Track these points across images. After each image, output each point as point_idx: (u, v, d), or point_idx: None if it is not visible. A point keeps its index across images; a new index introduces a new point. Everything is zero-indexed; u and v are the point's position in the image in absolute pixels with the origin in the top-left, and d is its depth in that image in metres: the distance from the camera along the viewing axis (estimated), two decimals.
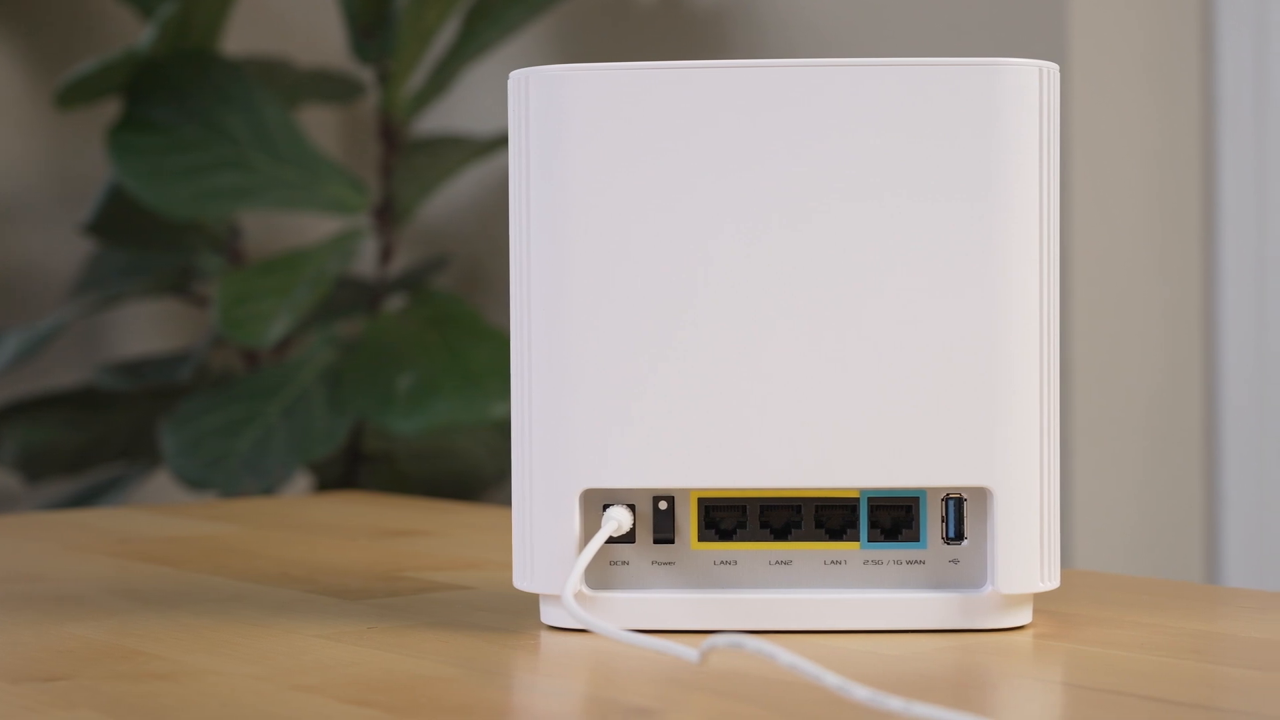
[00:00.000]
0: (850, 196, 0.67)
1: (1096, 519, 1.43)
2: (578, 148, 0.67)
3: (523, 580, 0.69)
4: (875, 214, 0.67)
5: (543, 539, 0.68)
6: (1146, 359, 1.47)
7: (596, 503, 0.69)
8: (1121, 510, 1.46)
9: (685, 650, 0.59)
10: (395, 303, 1.70)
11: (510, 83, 0.69)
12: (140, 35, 1.58)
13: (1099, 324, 1.43)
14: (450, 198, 1.85)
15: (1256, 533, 1.48)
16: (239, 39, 1.73)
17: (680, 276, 0.67)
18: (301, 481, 1.74)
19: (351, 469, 1.62)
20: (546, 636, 0.68)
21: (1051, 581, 0.68)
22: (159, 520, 1.07)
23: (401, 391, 1.46)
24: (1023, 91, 0.67)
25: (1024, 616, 0.68)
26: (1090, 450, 1.43)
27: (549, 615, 0.69)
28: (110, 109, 1.64)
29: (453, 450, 1.64)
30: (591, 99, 0.67)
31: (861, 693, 0.52)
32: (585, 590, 0.68)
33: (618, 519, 0.68)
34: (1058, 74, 0.68)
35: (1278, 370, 1.47)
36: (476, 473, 1.64)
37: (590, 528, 0.68)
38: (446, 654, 0.65)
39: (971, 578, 0.68)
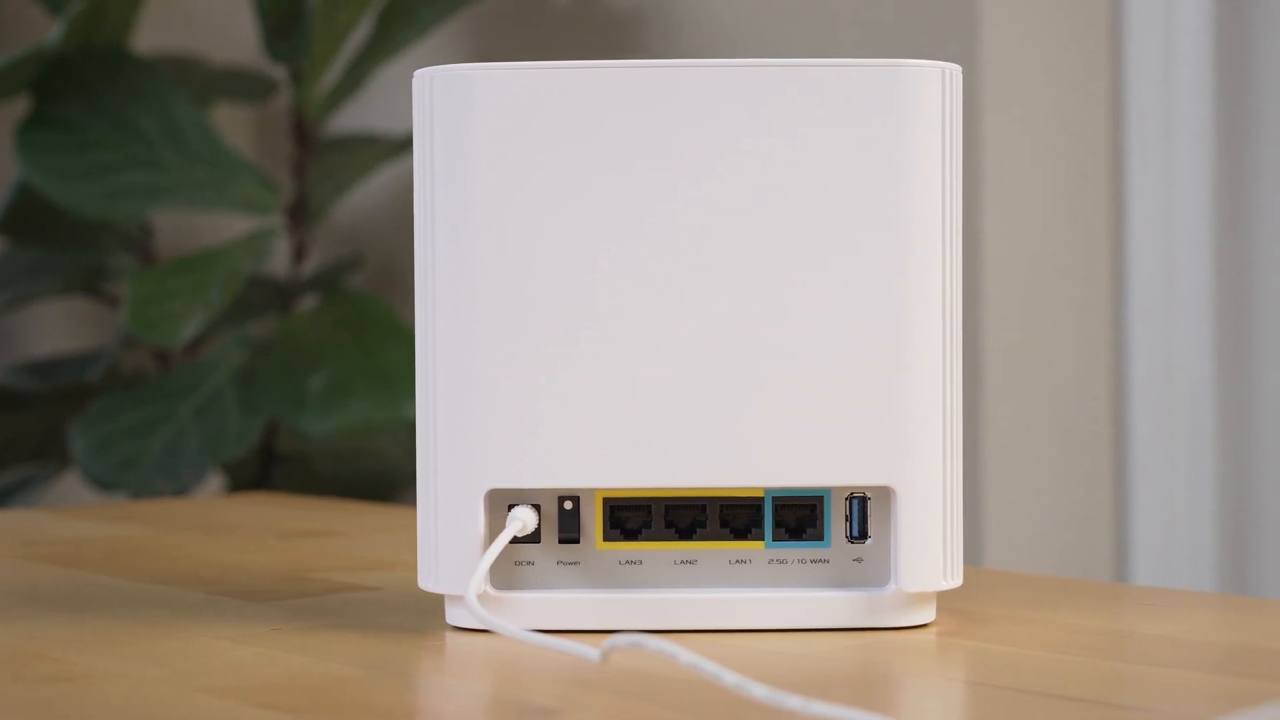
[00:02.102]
0: (753, 197, 0.67)
1: (1008, 519, 1.45)
2: (482, 147, 0.67)
3: (427, 581, 0.69)
4: (778, 214, 0.67)
5: (447, 539, 0.68)
6: (1057, 359, 1.48)
7: (501, 503, 0.68)
8: (1033, 510, 1.47)
9: (587, 650, 0.59)
10: (308, 302, 1.69)
11: (415, 82, 0.69)
12: (49, 32, 1.57)
13: (1009, 325, 1.44)
14: (363, 197, 1.85)
15: (1165, 531, 1.49)
16: (150, 36, 1.71)
17: (584, 277, 0.67)
18: (215, 482, 1.73)
19: (265, 470, 1.61)
20: (451, 637, 0.68)
21: (954, 580, 0.69)
22: (65, 522, 1.07)
23: (314, 392, 1.46)
24: (925, 92, 0.67)
25: (927, 615, 0.69)
26: (1001, 450, 1.44)
27: (454, 616, 0.69)
28: (19, 106, 1.63)
29: (368, 450, 1.63)
30: (496, 98, 0.67)
31: (760, 691, 0.52)
32: (490, 590, 0.68)
33: (522, 519, 0.68)
34: (960, 75, 0.69)
35: (1185, 369, 1.49)
36: (392, 473, 1.63)
37: (495, 528, 0.68)
38: (352, 655, 0.65)
39: (875, 576, 0.69)
